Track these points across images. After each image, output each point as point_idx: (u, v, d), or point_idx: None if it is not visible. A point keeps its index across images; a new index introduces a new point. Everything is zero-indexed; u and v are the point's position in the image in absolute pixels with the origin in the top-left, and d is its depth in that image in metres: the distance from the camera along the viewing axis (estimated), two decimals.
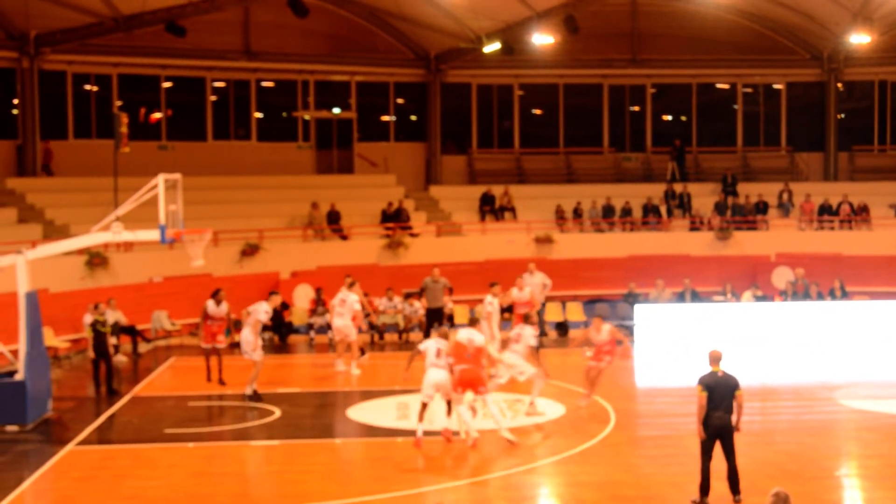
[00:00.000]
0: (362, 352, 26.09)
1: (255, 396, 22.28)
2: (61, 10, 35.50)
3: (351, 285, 25.94)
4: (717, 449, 14.93)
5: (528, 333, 20.75)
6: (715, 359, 15.13)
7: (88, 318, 25.06)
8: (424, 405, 18.91)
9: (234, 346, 25.02)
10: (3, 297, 24.25)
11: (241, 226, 34.61)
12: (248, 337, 22.30)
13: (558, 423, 20.31)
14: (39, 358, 21.17)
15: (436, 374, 18.85)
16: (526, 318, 21.45)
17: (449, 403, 19.33)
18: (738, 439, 18.57)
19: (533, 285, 28.94)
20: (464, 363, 18.82)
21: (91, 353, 24.08)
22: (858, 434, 19.86)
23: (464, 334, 19.23)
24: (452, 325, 30.22)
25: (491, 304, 25.12)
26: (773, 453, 18.12)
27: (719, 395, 14.80)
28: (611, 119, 44.49)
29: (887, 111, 44.41)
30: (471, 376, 18.81)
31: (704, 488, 14.90)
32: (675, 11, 41.42)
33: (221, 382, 24.03)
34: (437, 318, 28.84)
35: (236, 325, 25.14)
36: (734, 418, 14.89)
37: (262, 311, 22.65)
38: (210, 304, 24.63)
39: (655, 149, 44.24)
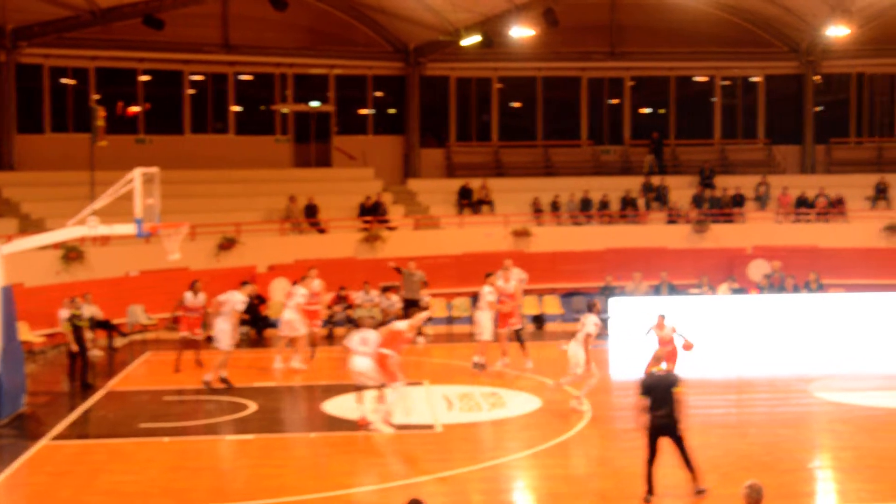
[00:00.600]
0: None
1: (226, 382, 22.48)
2: (38, 4, 35.36)
3: (303, 279, 25.88)
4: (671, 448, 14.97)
5: (591, 321, 20.68)
6: (657, 358, 15.25)
7: (64, 313, 24.94)
8: (359, 389, 19.50)
9: (210, 340, 25.33)
10: None
11: (218, 219, 34.52)
12: (225, 327, 22.40)
13: (534, 417, 20.34)
14: (14, 352, 21.10)
15: (358, 362, 19.29)
16: (590, 307, 21.40)
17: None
18: (713, 431, 18.71)
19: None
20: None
21: (73, 346, 23.96)
22: (832, 426, 19.94)
23: (399, 324, 19.93)
24: (429, 318, 30.17)
25: (491, 292, 24.99)
26: (747, 445, 18.20)
27: (660, 395, 14.76)
28: (589, 112, 44.52)
29: (864, 104, 44.60)
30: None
31: (649, 487, 14.83)
32: (654, 4, 41.44)
33: (199, 364, 25.05)
34: (412, 311, 28.80)
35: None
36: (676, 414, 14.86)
37: (238, 301, 22.68)
38: (188, 296, 25.30)
39: (633, 142, 44.31)
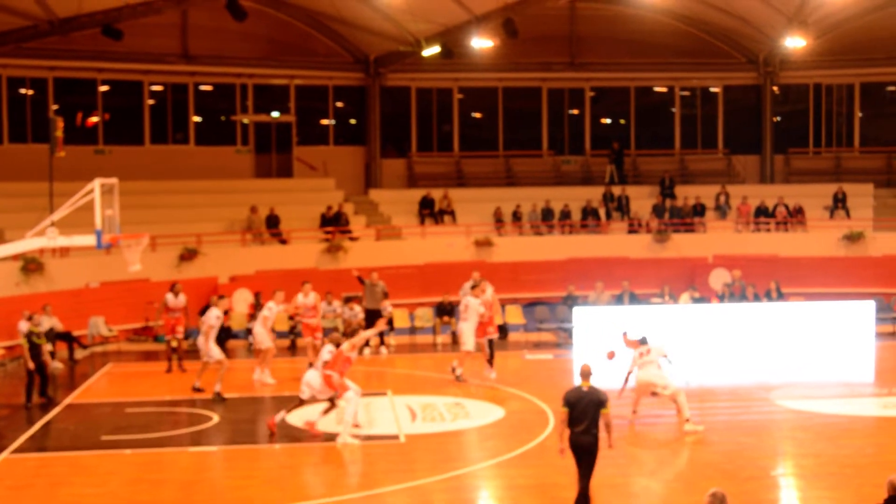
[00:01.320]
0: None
1: (218, 397, 22.48)
2: None
3: (274, 293, 25.71)
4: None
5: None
6: (584, 373, 14.52)
7: (24, 327, 24.65)
8: (301, 402, 19.87)
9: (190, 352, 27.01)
10: None
11: (179, 230, 34.37)
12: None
13: (497, 426, 20.35)
14: None
15: (309, 375, 19.81)
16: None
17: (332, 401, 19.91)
18: (676, 440, 18.78)
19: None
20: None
21: (30, 364, 23.51)
22: (794, 434, 20.05)
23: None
24: (392, 328, 30.20)
25: (480, 304, 24.97)
26: (710, 454, 18.28)
27: (580, 411, 14.14)
28: (550, 122, 44.68)
29: (822, 114, 44.98)
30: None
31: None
32: (614, 15, 41.67)
33: (182, 370, 26.03)
34: (375, 322, 28.76)
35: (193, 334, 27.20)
36: (603, 436, 14.32)
37: (213, 316, 22.64)
38: (169, 297, 26.55)
39: (594, 152, 44.49)
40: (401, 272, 34.59)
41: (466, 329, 24.70)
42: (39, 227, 21.04)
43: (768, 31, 40.90)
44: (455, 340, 30.14)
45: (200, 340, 22.92)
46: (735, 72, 44.41)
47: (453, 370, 24.64)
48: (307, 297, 26.26)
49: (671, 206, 40.42)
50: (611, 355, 20.84)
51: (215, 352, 22.72)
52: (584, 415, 14.14)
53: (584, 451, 14.18)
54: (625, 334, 21.43)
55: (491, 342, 25.09)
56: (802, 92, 45.30)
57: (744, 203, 40.05)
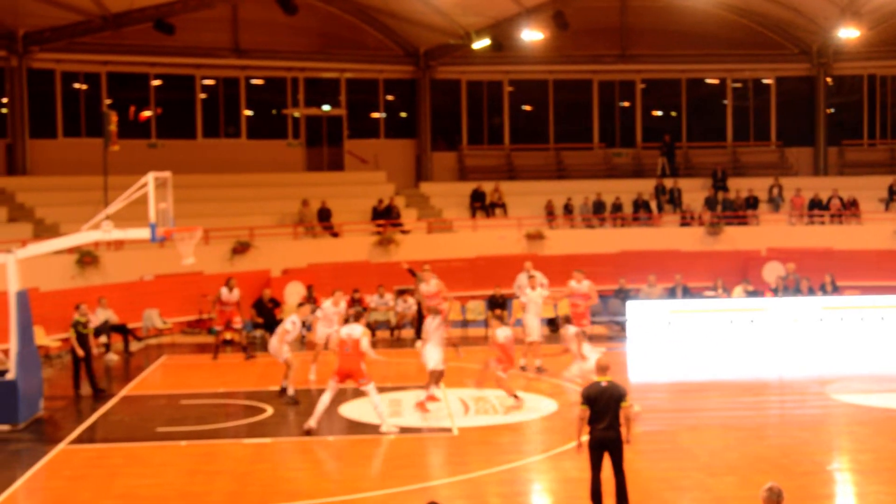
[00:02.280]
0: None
1: (287, 396, 22.22)
2: (50, 9, 35.38)
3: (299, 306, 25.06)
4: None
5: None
6: (602, 368, 14.45)
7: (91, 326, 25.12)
8: None
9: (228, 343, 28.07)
10: None
11: (231, 224, 34.54)
12: (275, 344, 22.27)
13: (550, 419, 20.32)
14: (30, 357, 21.13)
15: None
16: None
17: None
18: (731, 434, 18.67)
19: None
20: (344, 355, 19.60)
21: (80, 352, 23.86)
22: (850, 428, 19.89)
23: (345, 330, 19.86)
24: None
25: (540, 295, 25.18)
26: (765, 448, 18.14)
27: (602, 407, 14.02)
28: (601, 115, 44.50)
29: (876, 105, 44.51)
30: (349, 367, 19.52)
31: (596, 501, 14.23)
32: (664, 7, 41.40)
33: (248, 357, 27.19)
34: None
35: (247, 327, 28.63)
36: (623, 430, 14.18)
37: (289, 321, 22.36)
38: (223, 291, 27.25)
39: (645, 144, 44.28)
40: (452, 265, 34.60)
41: (531, 321, 24.74)
42: (94, 220, 21.17)
43: (821, 21, 40.50)
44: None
45: (273, 343, 22.53)
46: (788, 63, 44.02)
47: (522, 367, 24.66)
48: (337, 306, 25.07)
49: (724, 198, 40.15)
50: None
51: (285, 350, 22.43)
52: (606, 410, 14.03)
53: (611, 447, 14.12)
54: None
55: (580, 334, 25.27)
56: (856, 83, 44.86)
57: (797, 195, 39.71)
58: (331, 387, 19.68)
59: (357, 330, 19.71)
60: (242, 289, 28.71)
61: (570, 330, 21.38)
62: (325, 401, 19.57)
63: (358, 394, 22.19)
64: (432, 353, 21.48)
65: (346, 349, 19.56)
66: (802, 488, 15.49)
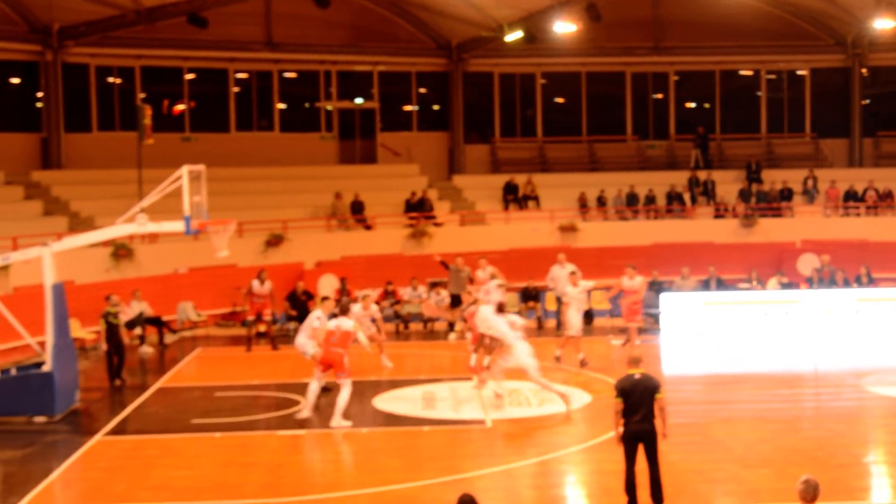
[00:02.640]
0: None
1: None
2: (84, 3, 35.61)
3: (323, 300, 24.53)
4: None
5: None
6: (635, 361, 14.36)
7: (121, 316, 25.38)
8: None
9: (261, 336, 28.29)
10: (30, 288, 24.49)
11: (265, 216, 34.67)
12: (301, 340, 22.18)
13: (584, 411, 20.28)
14: (66, 349, 21.28)
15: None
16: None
17: None
18: (766, 427, 18.59)
19: (563, 277, 28.96)
20: (329, 346, 19.81)
21: (104, 345, 24.26)
22: (886, 421, 19.77)
23: (334, 322, 20.04)
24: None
25: (581, 290, 25.35)
26: (800, 440, 18.06)
27: (636, 400, 13.97)
28: (634, 107, 44.37)
29: None
30: (332, 359, 19.71)
31: (630, 493, 14.16)
32: None
33: (275, 348, 27.46)
34: (460, 307, 28.87)
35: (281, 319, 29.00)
36: (658, 423, 14.15)
37: (314, 317, 22.34)
38: (255, 283, 27.47)
39: (679, 136, 44.11)
40: (485, 257, 34.52)
41: (572, 315, 24.84)
42: (129, 213, 21.28)
43: (856, 11, 40.21)
44: (540, 325, 30.20)
45: (300, 339, 22.41)
46: (822, 54, 43.72)
47: (557, 358, 24.70)
48: (368, 309, 24.70)
49: (758, 190, 39.97)
50: None
51: (311, 346, 22.37)
52: (641, 403, 13.98)
53: (646, 440, 14.06)
54: None
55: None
56: (892, 74, 44.50)
57: (832, 187, 39.48)
58: (316, 377, 20.07)
59: (346, 323, 19.87)
60: (276, 281, 28.82)
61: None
62: (314, 390, 20.01)
63: (391, 386, 22.31)
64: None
65: (332, 340, 19.74)
66: (838, 481, 15.40)
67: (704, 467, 16.39)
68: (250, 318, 28.16)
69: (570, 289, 25.21)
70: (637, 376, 14.14)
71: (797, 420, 19.74)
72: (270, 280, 27.88)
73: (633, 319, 26.26)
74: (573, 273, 26.11)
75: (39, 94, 37.24)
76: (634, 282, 26.19)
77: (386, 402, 21.22)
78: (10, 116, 37.92)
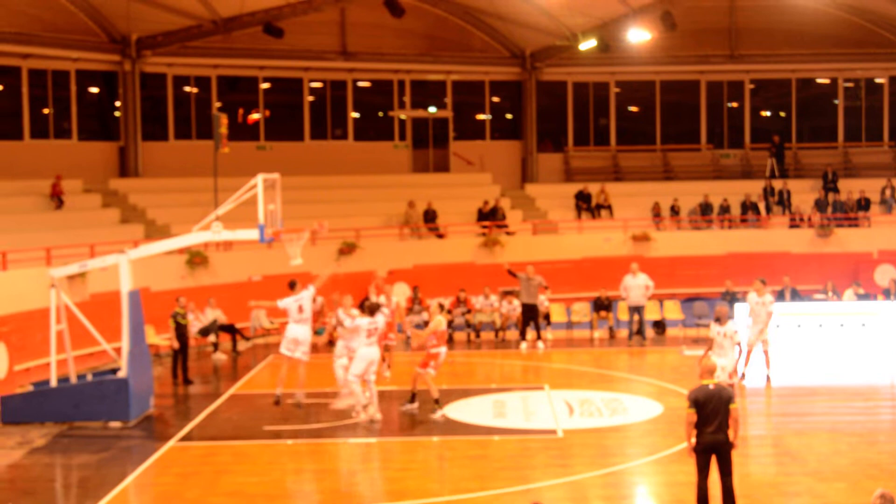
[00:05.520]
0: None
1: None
2: (161, 14, 36.05)
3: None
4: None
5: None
6: (709, 371, 14.16)
7: (189, 317, 25.73)
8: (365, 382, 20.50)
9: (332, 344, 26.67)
10: (107, 295, 24.81)
11: (338, 225, 34.75)
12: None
13: (655, 422, 20.16)
14: (141, 355, 21.53)
15: (368, 352, 20.35)
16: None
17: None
18: (841, 440, 18.34)
19: (636, 287, 28.83)
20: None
21: (175, 343, 24.90)
22: None
23: (366, 320, 20.58)
24: (549, 323, 30.20)
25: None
26: (875, 453, 17.80)
27: (711, 410, 13.80)
28: (708, 115, 44.09)
29: None
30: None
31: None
32: (773, 6, 40.87)
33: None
34: (532, 316, 28.83)
35: None
36: (731, 434, 13.95)
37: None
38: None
39: (754, 145, 43.75)
40: (557, 267, 34.54)
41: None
42: (204, 221, 21.48)
43: None
44: (612, 335, 30.04)
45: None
46: None
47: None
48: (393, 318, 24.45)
49: (834, 200, 39.51)
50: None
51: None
52: (715, 413, 13.83)
53: (720, 451, 13.91)
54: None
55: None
56: None
57: None
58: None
59: (381, 320, 20.87)
60: (349, 290, 28.94)
61: None
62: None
63: (462, 394, 22.29)
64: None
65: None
66: None
67: (779, 480, 16.23)
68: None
69: (753, 296, 24.52)
70: (711, 387, 13.99)
71: (873, 433, 19.45)
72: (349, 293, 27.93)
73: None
74: (762, 282, 25.21)
75: (118, 104, 37.79)
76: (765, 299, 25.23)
77: (457, 410, 21.22)
78: (89, 125, 38.49)
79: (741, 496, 14.18)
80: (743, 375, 23.15)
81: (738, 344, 20.51)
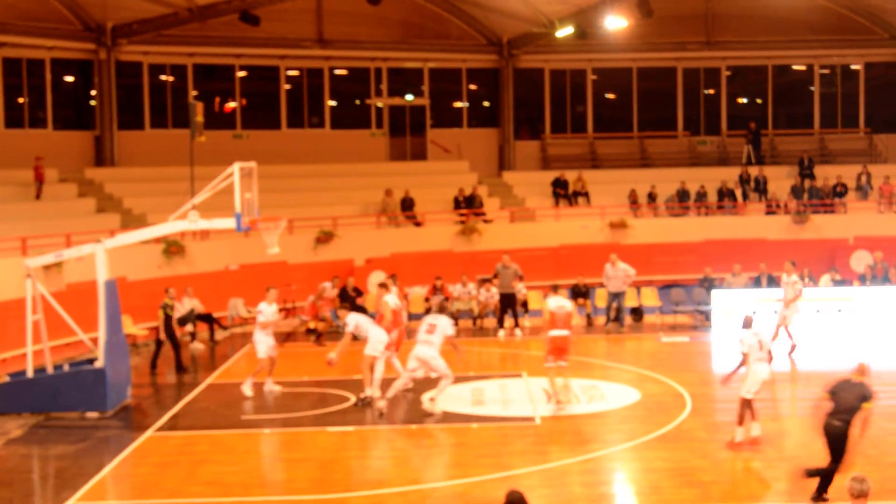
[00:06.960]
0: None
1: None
2: (137, 2, 35.89)
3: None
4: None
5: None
6: (862, 371, 14.38)
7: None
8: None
9: (311, 332, 28.22)
10: (83, 285, 24.75)
11: (315, 213, 34.80)
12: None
13: (633, 409, 20.22)
14: (118, 345, 21.46)
15: (423, 350, 20.09)
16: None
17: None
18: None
19: (616, 276, 28.90)
20: (557, 329, 20.22)
21: (162, 335, 24.94)
22: None
23: (553, 302, 20.36)
24: (527, 310, 30.22)
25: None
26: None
27: (843, 400, 14.02)
28: (685, 102, 44.20)
29: None
30: (562, 343, 20.18)
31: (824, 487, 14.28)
32: None
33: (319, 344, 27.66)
34: (509, 304, 28.88)
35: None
36: (855, 430, 14.08)
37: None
38: (327, 286, 28.85)
39: (730, 132, 43.88)
40: (535, 254, 34.59)
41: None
42: (181, 210, 21.42)
43: None
44: (589, 322, 30.10)
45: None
46: (877, 48, 43.31)
47: None
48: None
49: (810, 186, 39.65)
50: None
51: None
52: (844, 402, 14.02)
53: (832, 437, 14.10)
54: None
55: None
56: None
57: (886, 183, 39.07)
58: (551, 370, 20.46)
59: (568, 304, 20.71)
60: (326, 278, 29.04)
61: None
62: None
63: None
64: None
65: (558, 322, 20.36)
66: (890, 479, 15.38)
67: (754, 465, 16.30)
68: (307, 316, 28.80)
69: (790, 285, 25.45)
70: (854, 381, 14.21)
71: None
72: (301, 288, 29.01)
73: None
74: (792, 263, 25.84)
75: (93, 93, 37.63)
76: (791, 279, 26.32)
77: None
78: (65, 114, 38.33)
79: (715, 482, 14.23)
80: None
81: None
